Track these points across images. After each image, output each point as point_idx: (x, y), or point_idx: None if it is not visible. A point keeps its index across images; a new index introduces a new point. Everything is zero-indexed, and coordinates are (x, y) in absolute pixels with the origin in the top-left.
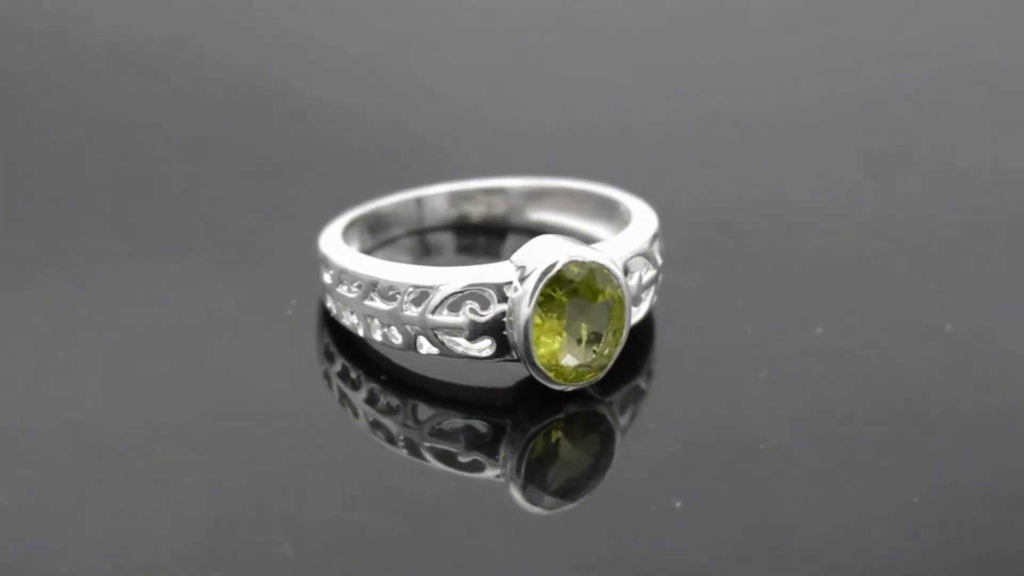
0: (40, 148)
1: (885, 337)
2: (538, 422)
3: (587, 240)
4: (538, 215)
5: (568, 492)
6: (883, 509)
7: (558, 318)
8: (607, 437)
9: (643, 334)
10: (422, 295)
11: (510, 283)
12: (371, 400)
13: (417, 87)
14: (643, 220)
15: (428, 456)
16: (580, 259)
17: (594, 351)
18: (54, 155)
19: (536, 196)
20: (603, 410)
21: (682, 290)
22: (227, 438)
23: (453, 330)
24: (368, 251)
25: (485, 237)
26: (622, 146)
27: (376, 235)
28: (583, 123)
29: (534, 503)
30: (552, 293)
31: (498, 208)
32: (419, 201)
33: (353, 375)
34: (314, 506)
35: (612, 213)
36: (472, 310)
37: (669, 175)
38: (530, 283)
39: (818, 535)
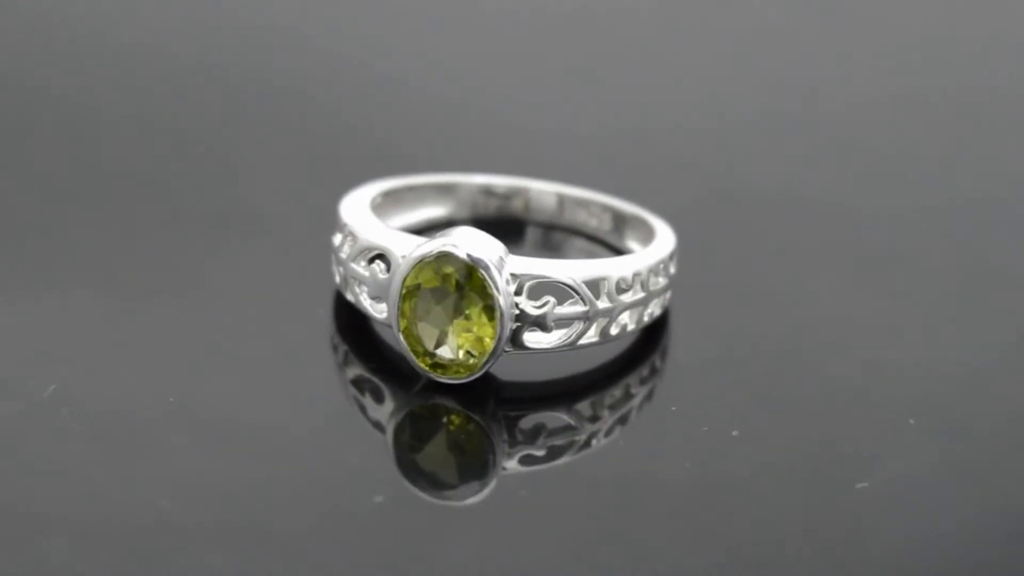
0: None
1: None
2: (426, 409)
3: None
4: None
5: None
6: None
7: (443, 309)
8: (474, 448)
9: (592, 375)
10: (353, 241)
11: None
12: (333, 338)
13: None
14: (616, 259)
15: (352, 402)
16: (468, 257)
17: (466, 351)
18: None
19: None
20: (485, 421)
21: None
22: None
23: (362, 283)
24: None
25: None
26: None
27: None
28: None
29: (412, 482)
30: (443, 283)
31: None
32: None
33: (335, 308)
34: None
35: (640, 235)
36: (378, 269)
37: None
38: (415, 255)
39: None
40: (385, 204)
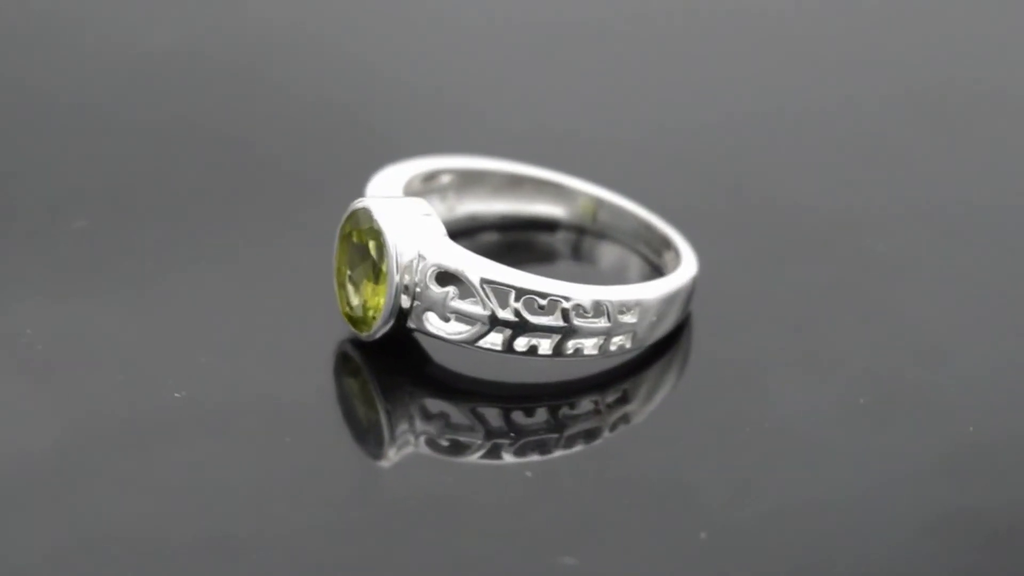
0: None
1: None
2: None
3: None
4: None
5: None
6: None
7: (364, 266)
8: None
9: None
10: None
11: None
12: None
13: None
14: (541, 279)
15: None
16: (373, 219)
17: (371, 312)
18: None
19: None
20: (386, 391)
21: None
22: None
23: None
24: None
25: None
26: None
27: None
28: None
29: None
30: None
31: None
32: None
33: None
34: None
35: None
36: None
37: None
38: (351, 206)
39: None
40: (461, 185)
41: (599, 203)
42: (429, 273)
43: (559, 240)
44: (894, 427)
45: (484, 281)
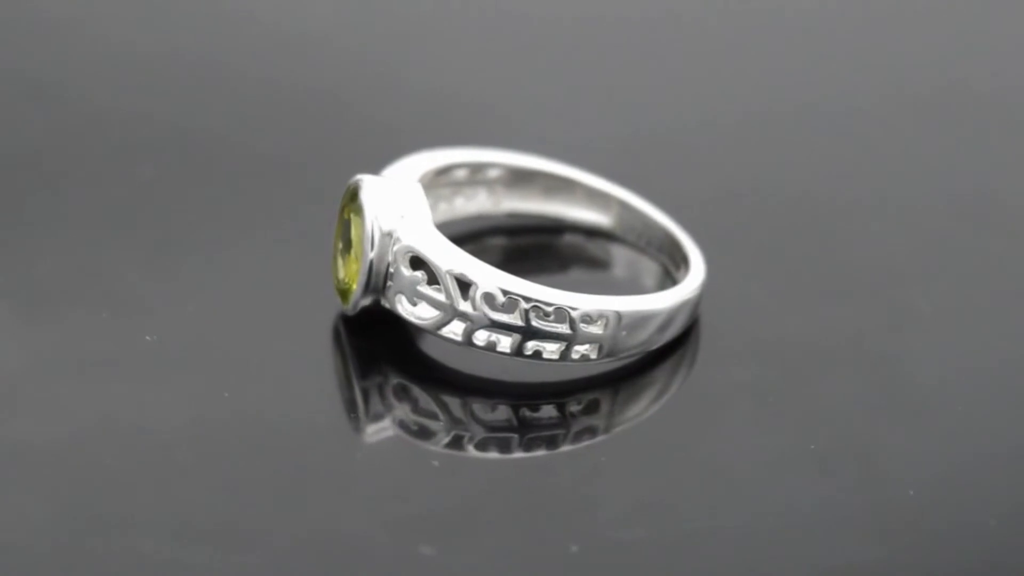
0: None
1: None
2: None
3: None
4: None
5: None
6: None
7: (349, 239)
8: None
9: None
10: None
11: None
12: None
13: None
14: (501, 274)
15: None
16: (361, 197)
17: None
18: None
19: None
20: (361, 368)
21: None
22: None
23: None
24: None
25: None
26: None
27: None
28: None
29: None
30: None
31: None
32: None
33: None
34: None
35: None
36: None
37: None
38: (351, 180)
39: None
40: (511, 181)
41: (635, 213)
42: (403, 255)
43: (591, 245)
44: (830, 477)
45: (449, 270)
